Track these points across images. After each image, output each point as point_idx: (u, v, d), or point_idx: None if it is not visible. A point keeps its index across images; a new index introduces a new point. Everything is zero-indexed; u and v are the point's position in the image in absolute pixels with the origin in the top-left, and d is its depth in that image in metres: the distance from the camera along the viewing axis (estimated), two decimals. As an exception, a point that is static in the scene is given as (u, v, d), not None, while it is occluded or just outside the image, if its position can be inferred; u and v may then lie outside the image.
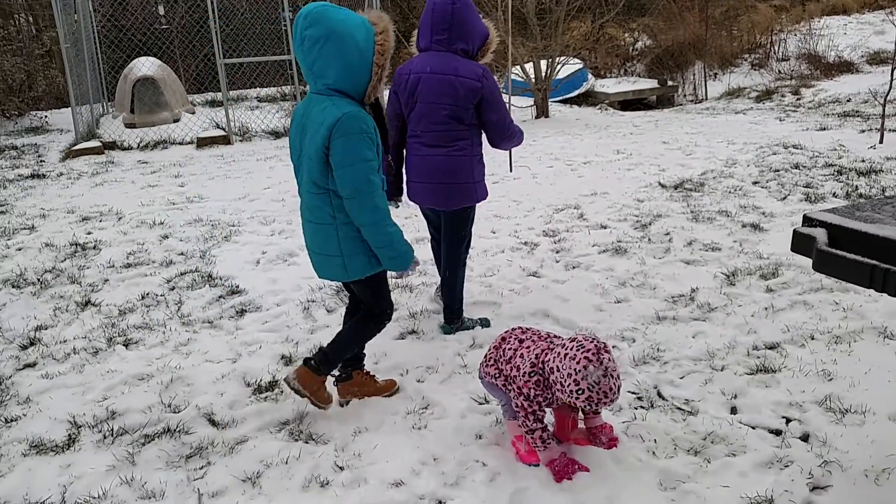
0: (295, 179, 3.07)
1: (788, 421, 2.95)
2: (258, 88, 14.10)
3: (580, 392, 2.45)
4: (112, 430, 3.15)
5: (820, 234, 1.54)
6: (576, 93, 13.84)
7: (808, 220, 1.61)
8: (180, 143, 10.06)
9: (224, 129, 10.24)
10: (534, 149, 8.58)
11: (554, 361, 2.56)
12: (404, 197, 4.02)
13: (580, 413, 2.87)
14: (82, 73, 11.04)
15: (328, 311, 4.29)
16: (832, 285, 4.17)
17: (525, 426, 2.70)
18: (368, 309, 3.17)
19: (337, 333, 3.21)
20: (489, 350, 2.90)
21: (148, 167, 8.73)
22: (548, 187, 6.79)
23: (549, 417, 2.90)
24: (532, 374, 2.63)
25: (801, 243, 1.59)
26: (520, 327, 2.92)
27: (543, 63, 11.80)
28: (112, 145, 9.88)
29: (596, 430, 2.85)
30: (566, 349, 2.54)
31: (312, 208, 2.94)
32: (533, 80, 11.73)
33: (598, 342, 2.51)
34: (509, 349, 2.78)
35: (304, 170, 2.91)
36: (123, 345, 3.99)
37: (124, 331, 4.16)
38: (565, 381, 2.49)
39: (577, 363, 2.46)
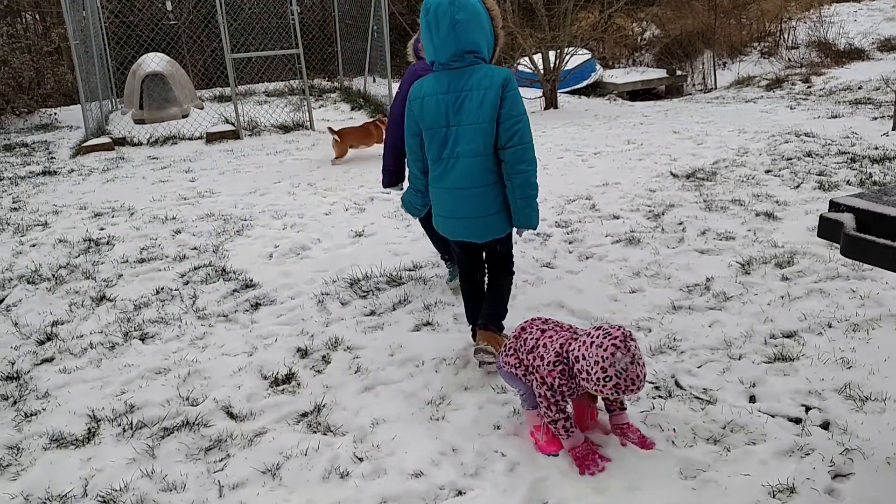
0: (416, 157, 3.35)
1: (808, 409, 2.94)
2: (266, 83, 14.11)
3: (608, 379, 2.46)
4: (131, 423, 3.17)
5: (847, 220, 1.52)
6: (584, 83, 13.81)
7: (834, 206, 1.60)
8: (189, 139, 10.09)
9: (233, 124, 10.25)
10: (543, 140, 8.55)
11: (579, 350, 2.56)
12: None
13: (605, 408, 2.87)
14: (91, 70, 11.07)
15: (342, 304, 4.30)
16: (849, 273, 4.15)
17: (548, 416, 2.70)
18: (504, 264, 3.51)
19: (490, 297, 3.50)
20: (508, 340, 2.90)
21: (158, 163, 8.75)
22: (559, 178, 6.78)
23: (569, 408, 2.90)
24: (557, 364, 2.63)
25: (828, 229, 1.57)
26: (539, 318, 2.91)
27: (552, 54, 11.76)
28: (122, 141, 9.90)
29: (623, 429, 2.83)
30: (592, 338, 2.54)
31: (476, 173, 3.17)
32: (542, 71, 11.69)
33: (623, 329, 2.52)
34: (531, 339, 2.78)
35: (464, 139, 3.14)
36: (140, 339, 4.00)
37: (140, 325, 4.18)
38: (592, 369, 2.49)
39: (605, 350, 2.46)
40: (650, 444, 2.78)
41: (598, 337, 2.52)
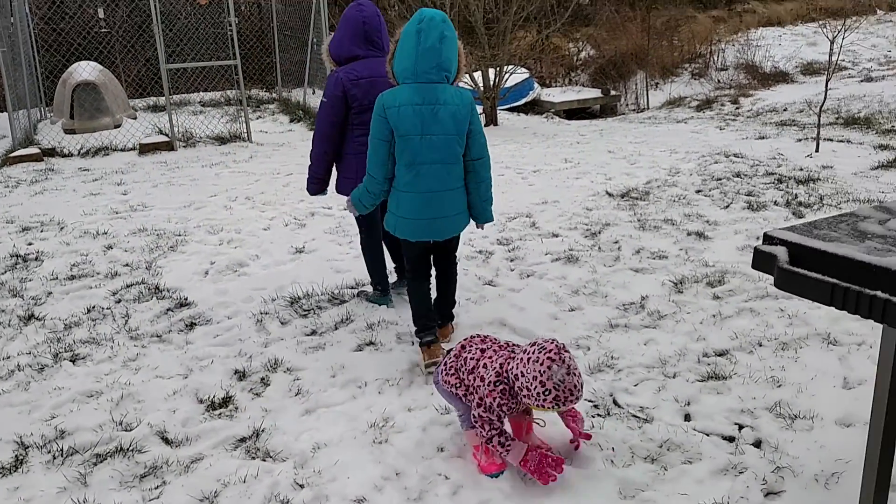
0: (381, 163, 3.53)
1: (741, 427, 3.03)
2: (202, 93, 13.85)
3: (547, 393, 2.50)
4: (62, 450, 3.06)
5: (781, 253, 1.59)
6: (523, 101, 14.01)
7: (767, 238, 1.66)
8: (122, 150, 9.81)
9: (167, 135, 10.02)
10: (483, 157, 8.60)
11: (518, 368, 2.60)
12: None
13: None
14: (19, 78, 10.68)
15: (282, 324, 4.24)
16: (777, 293, 4.31)
17: (482, 435, 2.71)
18: (453, 257, 3.90)
19: (444, 292, 3.93)
20: (448, 358, 2.91)
21: (89, 174, 8.49)
22: (500, 196, 6.82)
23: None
24: (497, 384, 2.65)
25: (762, 261, 1.64)
26: (479, 335, 2.94)
27: (491, 72, 11.90)
28: (51, 152, 9.57)
29: (572, 414, 2.89)
30: (527, 354, 2.59)
31: (450, 177, 3.53)
32: (482, 89, 11.81)
33: (557, 343, 2.58)
34: (471, 359, 2.80)
35: (437, 147, 3.46)
36: (70, 360, 3.87)
37: (71, 346, 4.04)
38: (531, 385, 2.53)
39: (541, 364, 2.51)
40: (587, 436, 2.88)
41: (533, 352, 2.57)
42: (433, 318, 3.77)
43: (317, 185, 4.23)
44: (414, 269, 3.80)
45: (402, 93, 3.45)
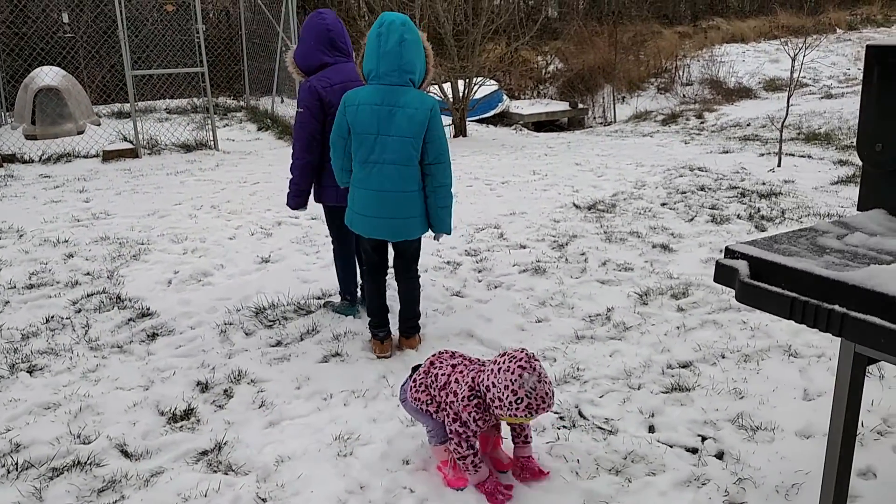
0: (339, 156, 3.69)
1: (704, 439, 3.06)
2: (168, 100, 13.69)
3: (520, 401, 2.49)
4: (17, 463, 2.97)
5: (742, 266, 1.61)
6: (492, 113, 14.09)
7: (729, 252, 1.68)
8: (85, 157, 9.65)
9: (132, 142, 9.88)
10: (454, 168, 8.59)
11: (489, 379, 2.59)
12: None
13: (511, 439, 2.90)
14: (-23, 81, 10.46)
15: (246, 335, 4.19)
16: (739, 305, 4.36)
17: (458, 453, 2.70)
18: (411, 264, 3.88)
19: (404, 300, 3.92)
20: (417, 375, 2.89)
21: (50, 181, 8.32)
22: (468, 206, 6.86)
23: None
24: (472, 398, 2.64)
25: (723, 275, 1.66)
26: (447, 351, 2.92)
27: (461, 83, 11.95)
28: (11, 158, 9.37)
29: (525, 461, 2.85)
30: (498, 365, 2.59)
31: (403, 179, 3.57)
32: (451, 100, 11.85)
33: (526, 351, 2.58)
34: (441, 374, 2.78)
35: (391, 149, 3.53)
36: (27, 371, 3.77)
37: (28, 356, 3.94)
38: (503, 395, 2.52)
39: (512, 374, 2.51)
40: (545, 474, 2.84)
41: (503, 362, 2.57)
42: (385, 314, 3.91)
43: (300, 198, 4.14)
44: (368, 264, 3.90)
45: (363, 92, 3.58)
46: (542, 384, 2.52)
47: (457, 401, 2.68)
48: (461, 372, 2.75)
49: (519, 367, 2.52)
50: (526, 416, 2.53)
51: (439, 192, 3.66)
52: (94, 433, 3.21)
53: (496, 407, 2.57)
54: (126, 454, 3.06)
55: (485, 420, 2.66)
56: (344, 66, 4.06)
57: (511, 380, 2.51)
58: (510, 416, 2.55)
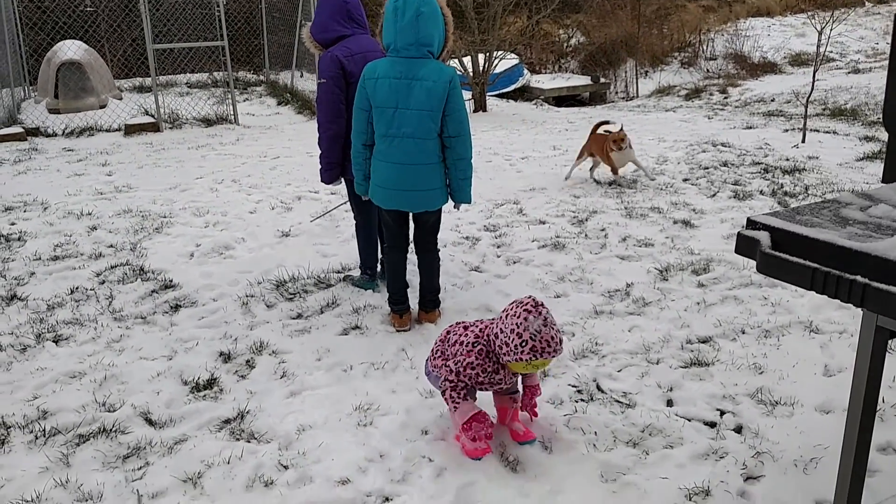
0: (361, 130, 3.69)
1: (722, 413, 3.06)
2: (189, 74, 13.73)
3: (524, 344, 2.54)
4: (44, 430, 3.04)
5: (763, 238, 1.60)
6: (512, 87, 13.98)
7: (751, 223, 1.67)
8: (107, 131, 9.73)
9: (153, 116, 9.95)
10: (473, 142, 8.58)
11: (497, 327, 2.66)
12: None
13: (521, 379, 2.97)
14: (2, 56, 10.55)
15: (268, 307, 4.23)
16: (761, 281, 4.34)
17: (441, 387, 2.75)
18: (431, 237, 3.90)
19: (425, 274, 3.93)
20: (435, 344, 2.93)
21: (74, 155, 8.41)
22: (487, 182, 6.84)
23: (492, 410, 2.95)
24: (476, 344, 2.71)
25: (745, 246, 1.65)
26: (462, 322, 2.95)
27: (481, 57, 11.86)
28: (35, 132, 9.47)
29: (530, 390, 2.94)
30: (506, 312, 2.66)
31: (422, 152, 3.60)
32: (471, 74, 11.78)
33: (533, 298, 2.63)
34: (454, 335, 2.87)
35: (409, 122, 3.54)
36: (53, 341, 3.84)
37: (53, 326, 4.01)
38: (509, 339, 2.58)
39: (518, 318, 2.58)
40: (535, 413, 2.97)
41: (511, 309, 2.64)
42: (405, 289, 3.94)
43: (332, 172, 4.11)
44: (388, 237, 3.92)
45: (382, 65, 3.58)
46: (548, 328, 2.57)
47: (461, 349, 2.73)
48: (471, 328, 2.82)
49: (524, 310, 2.57)
50: (531, 358, 2.56)
51: (459, 165, 3.68)
52: (119, 401, 3.27)
53: (504, 354, 2.62)
54: (150, 422, 3.12)
55: (484, 370, 2.70)
56: (361, 36, 4.07)
57: (517, 323, 2.56)
58: (517, 360, 2.59)
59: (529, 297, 2.65)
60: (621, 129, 6.56)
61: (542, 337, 2.55)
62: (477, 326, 2.85)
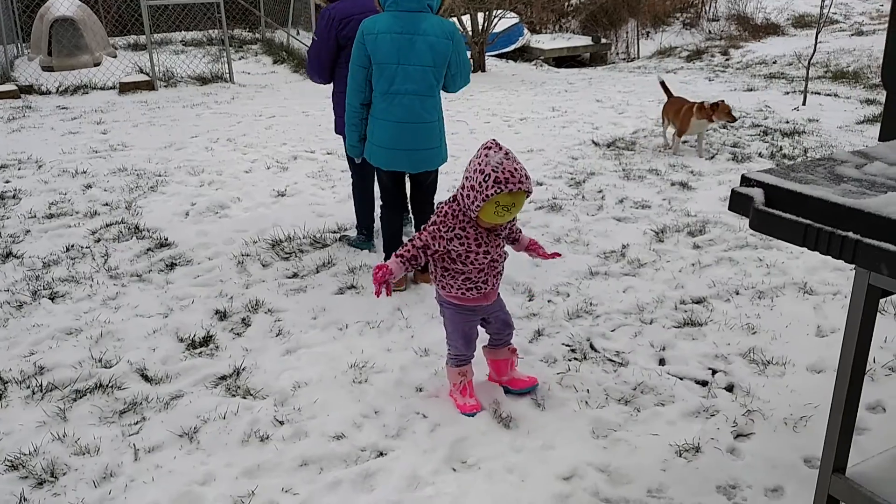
0: (359, 89, 3.61)
1: (714, 372, 3.09)
2: (183, 32, 13.53)
3: (487, 178, 2.44)
4: (41, 385, 3.06)
5: (757, 194, 1.59)
6: (512, 48, 13.79)
7: (745, 181, 1.66)
8: (102, 88, 9.63)
9: (148, 74, 9.83)
10: (471, 103, 8.54)
11: (465, 176, 2.57)
12: None
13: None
14: (-7, 12, 10.39)
15: (263, 266, 4.23)
16: (756, 242, 4.34)
17: (402, 248, 2.68)
18: (429, 196, 3.90)
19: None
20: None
21: (68, 113, 8.33)
22: (484, 142, 6.79)
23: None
24: (449, 202, 2.64)
25: (738, 202, 1.64)
26: None
27: (480, 16, 11.69)
28: (29, 89, 9.37)
29: (532, 247, 2.95)
30: (469, 162, 2.57)
31: (425, 109, 3.58)
32: (470, 33, 11.62)
33: (494, 139, 2.56)
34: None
35: (412, 78, 3.50)
36: (49, 298, 3.85)
37: (49, 283, 4.02)
38: (474, 179, 2.49)
39: (479, 157, 2.51)
40: (554, 254, 2.99)
41: (475, 155, 2.54)
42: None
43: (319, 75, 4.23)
44: (386, 198, 3.89)
45: (382, 20, 3.49)
46: (510, 161, 2.48)
47: (437, 211, 2.68)
48: None
49: (485, 147, 2.52)
50: (496, 191, 2.44)
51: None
52: (115, 358, 3.29)
53: (472, 200, 2.50)
54: (146, 378, 3.14)
55: (450, 227, 2.61)
56: None
57: (479, 162, 2.49)
58: (484, 199, 2.47)
59: (491, 139, 2.58)
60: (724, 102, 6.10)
61: (504, 168, 2.45)
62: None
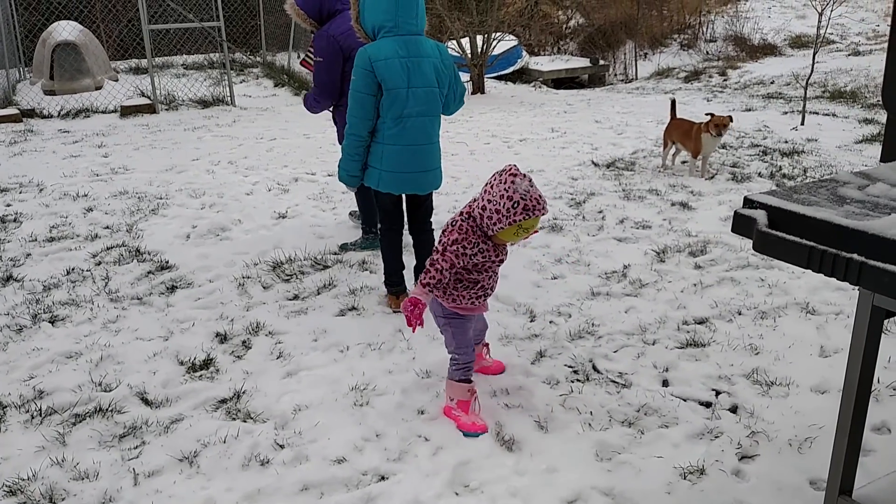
0: (367, 117, 3.56)
1: (718, 393, 3.07)
2: (185, 55, 13.64)
3: (516, 205, 2.56)
4: (40, 409, 3.04)
5: (760, 216, 1.59)
6: (511, 69, 13.88)
7: (748, 202, 1.66)
8: (103, 112, 9.68)
9: (149, 98, 9.88)
10: (471, 125, 8.58)
11: (483, 199, 2.65)
12: None
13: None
14: (-4, 36, 10.47)
15: (264, 288, 4.22)
16: (758, 262, 4.34)
17: (425, 276, 2.72)
18: (428, 217, 3.93)
19: (418, 257, 3.96)
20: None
21: (69, 136, 8.36)
22: (485, 164, 6.82)
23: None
24: (466, 219, 2.71)
25: (741, 224, 1.64)
26: None
27: (479, 38, 11.78)
28: (31, 113, 9.42)
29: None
30: (490, 185, 2.64)
31: (433, 129, 3.69)
32: (469, 56, 11.70)
33: (514, 165, 2.65)
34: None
35: (421, 101, 3.55)
36: (49, 321, 3.83)
37: (49, 307, 4.00)
38: (500, 205, 2.58)
39: (505, 183, 2.59)
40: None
41: (493, 180, 2.64)
42: (401, 270, 3.96)
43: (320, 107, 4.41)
44: (388, 221, 3.89)
45: (387, 45, 3.49)
46: (534, 188, 2.61)
47: (447, 231, 2.72)
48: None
49: (510, 175, 2.60)
50: (524, 218, 2.58)
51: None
52: (115, 381, 3.27)
53: (495, 222, 2.61)
54: (146, 402, 3.12)
55: (470, 242, 2.69)
56: (348, 13, 4.03)
57: (506, 188, 2.58)
58: (510, 223, 2.59)
59: (509, 164, 2.66)
60: (728, 116, 6.12)
61: (531, 195, 2.58)
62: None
